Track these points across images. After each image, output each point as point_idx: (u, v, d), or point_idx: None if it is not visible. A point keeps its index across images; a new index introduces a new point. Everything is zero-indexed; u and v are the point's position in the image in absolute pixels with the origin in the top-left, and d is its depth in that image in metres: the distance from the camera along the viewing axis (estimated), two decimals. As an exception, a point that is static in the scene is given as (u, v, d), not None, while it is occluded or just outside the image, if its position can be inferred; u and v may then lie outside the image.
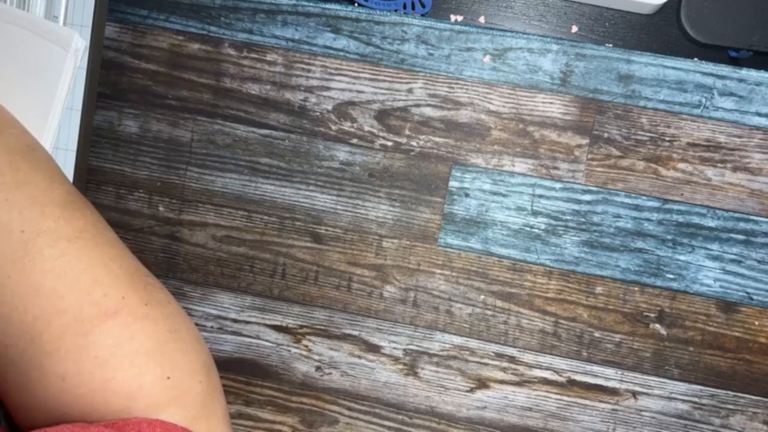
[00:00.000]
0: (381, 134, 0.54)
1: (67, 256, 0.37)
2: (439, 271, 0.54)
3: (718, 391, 0.53)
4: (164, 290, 0.40)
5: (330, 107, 0.54)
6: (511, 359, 0.54)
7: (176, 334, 0.38)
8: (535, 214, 0.53)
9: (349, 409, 0.56)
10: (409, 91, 0.54)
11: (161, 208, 0.56)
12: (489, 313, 0.54)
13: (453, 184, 0.54)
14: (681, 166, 0.52)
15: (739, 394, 0.53)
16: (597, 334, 0.53)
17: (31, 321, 0.36)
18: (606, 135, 0.53)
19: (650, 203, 0.53)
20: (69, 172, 0.54)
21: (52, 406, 0.36)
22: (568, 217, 0.53)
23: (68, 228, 0.38)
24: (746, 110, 0.52)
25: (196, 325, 0.56)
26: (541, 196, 0.53)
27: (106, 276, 0.38)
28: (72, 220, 0.39)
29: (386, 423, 0.55)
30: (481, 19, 0.55)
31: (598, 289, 0.53)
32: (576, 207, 0.53)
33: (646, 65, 0.52)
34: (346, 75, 0.54)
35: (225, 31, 0.54)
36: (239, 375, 0.56)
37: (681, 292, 0.53)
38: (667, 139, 0.52)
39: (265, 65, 0.54)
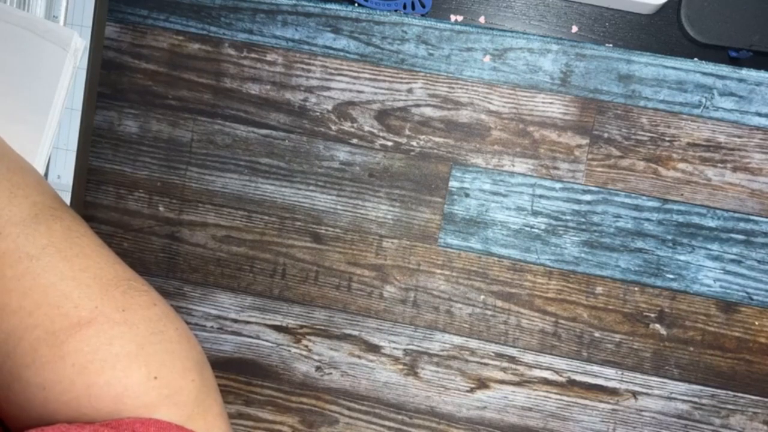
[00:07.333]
0: (381, 134, 0.54)
1: (30, 274, 0.37)
2: (439, 271, 0.54)
3: (718, 391, 0.53)
4: (150, 293, 0.40)
5: (330, 107, 0.54)
6: (511, 359, 0.54)
7: (161, 336, 0.38)
8: (535, 214, 0.53)
9: (349, 409, 0.56)
10: (409, 91, 0.54)
11: (161, 208, 0.56)
12: (489, 313, 0.54)
13: (453, 184, 0.54)
14: (681, 166, 0.52)
15: (739, 394, 0.53)
16: (597, 334, 0.53)
17: (3, 338, 0.36)
18: (606, 135, 0.53)
19: (650, 203, 0.53)
20: (69, 172, 0.54)
21: (40, 414, 0.36)
22: (568, 217, 0.53)
23: (30, 246, 0.38)
24: (746, 110, 0.52)
25: (196, 325, 0.56)
26: (541, 196, 0.53)
27: (76, 288, 0.37)
28: (35, 236, 0.39)
29: (386, 423, 0.55)
30: (481, 19, 0.55)
31: (598, 289, 0.53)
32: (576, 207, 0.53)
33: (646, 65, 0.52)
34: (346, 75, 0.54)
35: (225, 31, 0.54)
36: (239, 375, 0.56)
37: (681, 292, 0.53)
38: (667, 139, 0.52)
39: (265, 65, 0.54)
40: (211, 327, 0.56)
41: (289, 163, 0.55)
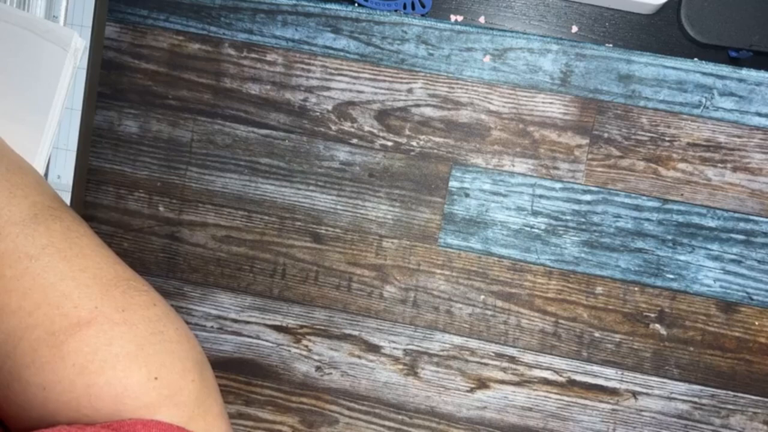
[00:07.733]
0: (381, 134, 0.54)
1: (29, 274, 0.37)
2: (439, 271, 0.54)
3: (718, 391, 0.53)
4: (150, 293, 0.40)
5: (330, 107, 0.54)
6: (511, 359, 0.54)
7: (161, 336, 0.38)
8: (535, 214, 0.53)
9: (349, 409, 0.56)
10: (409, 91, 0.54)
11: (161, 208, 0.56)
12: (489, 313, 0.54)
13: (453, 184, 0.54)
14: (681, 166, 0.52)
15: (739, 394, 0.53)
16: (597, 334, 0.54)
17: (3, 338, 0.36)
18: (606, 135, 0.53)
19: (650, 203, 0.53)
20: (69, 172, 0.54)
21: (41, 414, 0.36)
22: (568, 217, 0.53)
23: (29, 246, 0.38)
24: (746, 110, 0.52)
25: (196, 325, 0.56)
26: (541, 196, 0.53)
27: (75, 288, 0.37)
28: (34, 236, 0.39)
29: (386, 423, 0.55)
30: (481, 19, 0.55)
31: (598, 289, 0.53)
32: (576, 207, 0.53)
33: (646, 65, 0.52)
34: (346, 75, 0.54)
35: (225, 31, 0.54)
36: (239, 375, 0.56)
37: (681, 292, 0.53)
38: (667, 139, 0.52)
39: (265, 65, 0.54)
40: (211, 327, 0.56)
41: (289, 163, 0.55)
